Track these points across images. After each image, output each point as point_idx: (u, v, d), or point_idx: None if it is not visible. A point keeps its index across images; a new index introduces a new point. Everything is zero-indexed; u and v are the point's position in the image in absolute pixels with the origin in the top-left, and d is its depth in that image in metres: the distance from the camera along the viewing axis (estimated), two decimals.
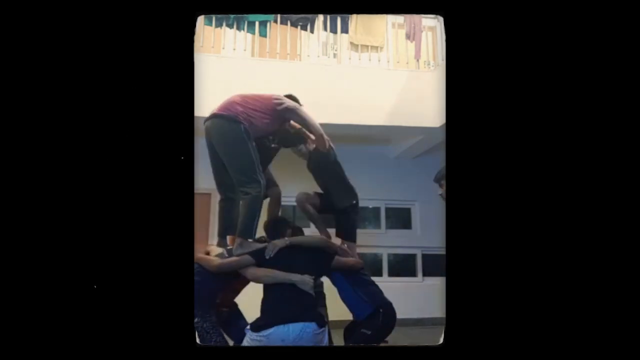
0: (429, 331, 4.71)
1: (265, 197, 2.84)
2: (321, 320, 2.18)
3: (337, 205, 2.76)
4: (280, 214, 3.00)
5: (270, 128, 2.57)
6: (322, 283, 2.77)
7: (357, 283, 2.55)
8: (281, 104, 2.46)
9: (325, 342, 2.19)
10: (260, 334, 2.06)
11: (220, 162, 2.49)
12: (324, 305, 2.84)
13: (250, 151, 2.36)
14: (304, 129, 2.71)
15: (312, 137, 2.68)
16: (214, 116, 2.43)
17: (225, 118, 2.38)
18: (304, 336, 2.07)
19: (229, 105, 2.43)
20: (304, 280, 2.24)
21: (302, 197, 2.79)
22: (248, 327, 2.15)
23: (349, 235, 2.82)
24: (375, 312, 2.44)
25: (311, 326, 2.10)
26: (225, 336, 2.42)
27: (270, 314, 2.16)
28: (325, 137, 2.59)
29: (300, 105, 2.59)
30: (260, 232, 2.55)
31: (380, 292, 2.58)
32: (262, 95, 2.52)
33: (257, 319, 2.17)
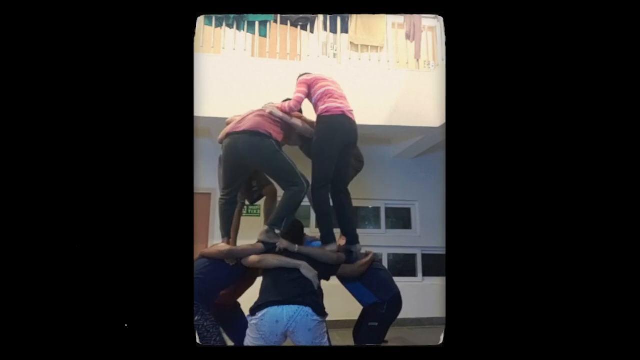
0: (429, 331, 4.72)
1: (261, 196, 2.90)
2: (319, 308, 2.14)
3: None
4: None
5: (286, 134, 2.77)
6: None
7: (364, 279, 2.58)
8: (265, 112, 2.69)
9: (324, 334, 2.16)
10: (256, 316, 2.08)
11: (237, 170, 2.63)
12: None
13: (286, 159, 2.58)
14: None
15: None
16: (245, 132, 2.58)
17: (258, 135, 2.57)
18: (298, 319, 2.04)
19: (257, 124, 2.60)
20: (308, 267, 2.26)
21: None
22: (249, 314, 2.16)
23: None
24: (380, 302, 2.49)
25: (306, 310, 2.07)
26: (225, 336, 2.42)
27: (266, 295, 2.16)
28: (301, 127, 2.75)
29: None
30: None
31: (388, 278, 2.65)
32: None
33: (255, 302, 2.17)
